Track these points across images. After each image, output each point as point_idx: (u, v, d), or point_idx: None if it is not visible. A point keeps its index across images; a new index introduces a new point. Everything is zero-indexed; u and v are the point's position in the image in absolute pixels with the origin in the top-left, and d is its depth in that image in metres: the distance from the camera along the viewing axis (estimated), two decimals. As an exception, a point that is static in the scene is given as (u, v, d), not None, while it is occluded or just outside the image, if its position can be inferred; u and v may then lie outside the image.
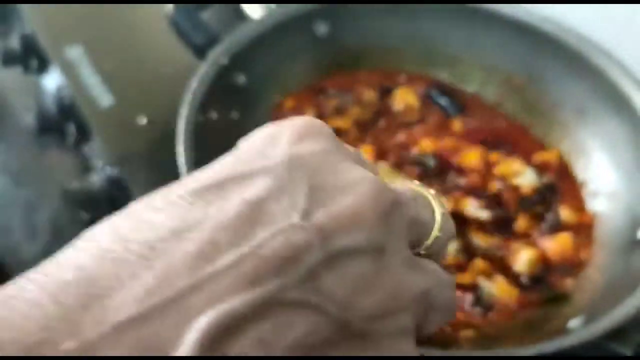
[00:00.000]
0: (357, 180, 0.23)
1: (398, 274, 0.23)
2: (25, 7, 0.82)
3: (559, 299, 0.48)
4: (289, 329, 0.20)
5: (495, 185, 0.54)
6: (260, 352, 0.19)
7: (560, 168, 0.57)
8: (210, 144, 0.48)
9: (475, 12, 0.60)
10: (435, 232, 0.27)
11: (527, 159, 0.57)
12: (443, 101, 0.61)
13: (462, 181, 0.54)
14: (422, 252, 0.27)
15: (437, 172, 0.54)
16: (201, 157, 0.45)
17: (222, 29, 0.56)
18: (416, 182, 0.29)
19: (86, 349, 0.18)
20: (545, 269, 0.49)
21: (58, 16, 0.81)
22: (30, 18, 0.80)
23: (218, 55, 0.50)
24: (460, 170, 0.55)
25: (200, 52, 0.52)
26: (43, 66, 0.81)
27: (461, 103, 0.62)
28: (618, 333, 0.39)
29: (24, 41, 0.81)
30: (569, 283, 0.49)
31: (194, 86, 0.48)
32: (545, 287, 0.49)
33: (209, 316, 0.19)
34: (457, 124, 0.60)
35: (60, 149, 0.79)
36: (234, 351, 0.19)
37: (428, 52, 0.63)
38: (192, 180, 0.23)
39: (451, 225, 0.28)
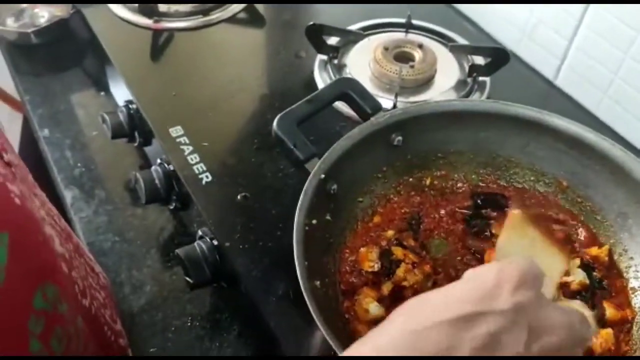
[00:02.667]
0: (561, 325, 0.36)
1: None
2: (130, 85, 0.94)
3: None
4: None
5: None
6: None
7: (609, 264, 0.66)
8: (313, 245, 0.59)
9: (530, 122, 0.70)
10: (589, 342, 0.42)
11: (578, 253, 0.66)
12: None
13: None
14: None
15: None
16: (309, 263, 0.56)
17: (317, 135, 0.66)
18: (578, 302, 0.45)
19: None
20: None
21: (161, 97, 0.93)
22: (136, 97, 0.92)
23: (317, 171, 0.61)
24: None
25: (300, 165, 0.63)
26: (146, 140, 0.94)
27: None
28: None
29: (130, 117, 0.93)
30: (613, 376, 0.58)
31: (301, 201, 0.59)
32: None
33: None
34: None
35: (160, 210, 0.91)
36: None
37: (486, 155, 0.73)
38: (445, 308, 0.35)
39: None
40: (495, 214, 0.70)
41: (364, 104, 0.68)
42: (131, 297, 0.83)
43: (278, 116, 0.64)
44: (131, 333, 0.77)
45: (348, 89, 0.67)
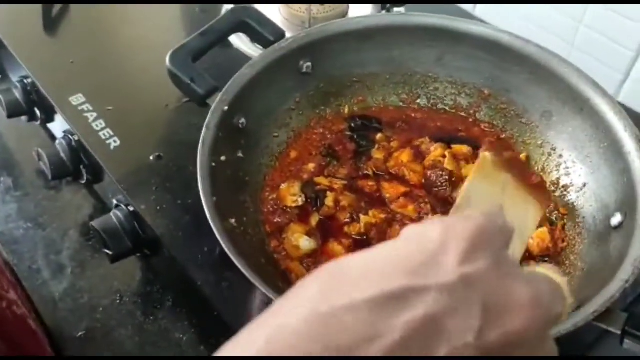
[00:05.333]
0: (526, 301, 0.26)
1: None
2: (23, 59, 0.87)
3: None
4: None
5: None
6: None
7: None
8: (224, 183, 0.55)
9: (443, 32, 0.66)
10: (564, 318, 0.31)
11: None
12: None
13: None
14: None
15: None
16: (218, 198, 0.51)
17: (219, 74, 0.61)
18: (548, 265, 0.33)
19: None
20: (530, 260, 0.56)
21: (58, 67, 0.86)
22: (30, 70, 0.85)
23: (219, 103, 0.56)
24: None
25: (202, 101, 0.58)
26: (48, 115, 0.87)
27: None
28: (606, 314, 0.45)
29: (26, 92, 0.86)
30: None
31: (203, 135, 0.54)
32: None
33: None
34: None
35: (74, 190, 0.85)
36: None
37: (403, 73, 0.69)
38: (368, 282, 0.25)
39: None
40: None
41: (264, 32, 0.63)
42: (51, 283, 0.76)
43: (170, 52, 0.58)
44: (55, 319, 0.72)
45: (245, 17, 0.63)
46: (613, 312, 0.44)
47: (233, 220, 0.53)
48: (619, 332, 0.43)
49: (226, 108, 0.57)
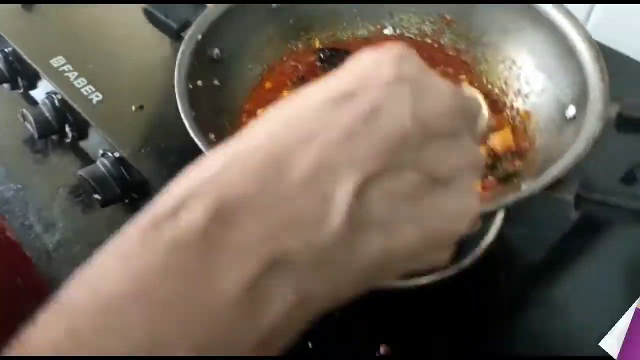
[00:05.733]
0: (443, 90, 0.33)
1: (467, 148, 0.33)
2: (2, 31, 0.89)
3: (512, 176, 0.58)
4: (404, 182, 0.30)
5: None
6: (388, 199, 0.29)
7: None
8: (202, 104, 0.58)
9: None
10: (484, 123, 0.38)
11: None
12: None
13: None
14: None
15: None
16: (197, 114, 0.54)
17: (192, 12, 0.64)
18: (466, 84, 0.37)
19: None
20: (496, 159, 0.60)
21: (37, 35, 0.88)
22: (10, 39, 0.87)
23: (192, 33, 0.59)
24: None
25: (176, 35, 0.60)
26: (31, 81, 0.89)
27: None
28: (559, 185, 0.49)
29: (8, 62, 0.88)
30: (517, 164, 0.59)
31: (179, 61, 0.57)
32: (499, 171, 0.59)
33: (356, 175, 0.29)
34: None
35: (60, 152, 0.87)
36: (372, 196, 0.29)
37: (369, 8, 0.72)
38: (327, 90, 0.32)
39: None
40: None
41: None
42: (44, 236, 0.79)
43: (144, -10, 0.61)
44: (50, 270, 0.74)
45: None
46: (566, 182, 0.48)
47: (212, 136, 0.56)
48: (571, 197, 0.47)
49: (199, 37, 0.59)
